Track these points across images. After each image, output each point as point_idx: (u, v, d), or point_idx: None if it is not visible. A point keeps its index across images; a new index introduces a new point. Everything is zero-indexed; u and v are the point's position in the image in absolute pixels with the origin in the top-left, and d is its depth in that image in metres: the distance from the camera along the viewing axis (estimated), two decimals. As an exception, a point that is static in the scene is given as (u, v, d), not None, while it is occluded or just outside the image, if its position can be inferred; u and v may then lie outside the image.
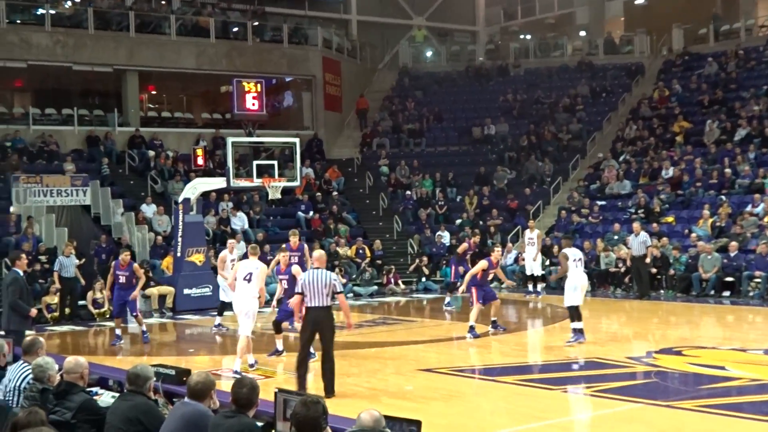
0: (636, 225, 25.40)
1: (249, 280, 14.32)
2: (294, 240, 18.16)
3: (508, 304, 25.30)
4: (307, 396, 6.63)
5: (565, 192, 32.56)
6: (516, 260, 28.61)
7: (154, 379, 8.14)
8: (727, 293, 24.28)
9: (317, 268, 12.26)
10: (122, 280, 18.23)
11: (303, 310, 12.21)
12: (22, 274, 14.60)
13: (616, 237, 27.41)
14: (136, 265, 18.97)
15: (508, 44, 43.32)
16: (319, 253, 12.69)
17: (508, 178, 33.76)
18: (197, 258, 24.09)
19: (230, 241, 20.49)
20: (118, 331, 18.34)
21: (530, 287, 25.99)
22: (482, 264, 18.57)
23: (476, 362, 15.86)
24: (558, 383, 13.05)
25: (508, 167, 34.33)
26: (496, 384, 13.33)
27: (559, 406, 11.74)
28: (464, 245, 23.68)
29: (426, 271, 29.03)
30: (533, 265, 26.09)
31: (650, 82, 37.00)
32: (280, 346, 15.92)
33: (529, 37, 45.12)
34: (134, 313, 18.49)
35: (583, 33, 44.77)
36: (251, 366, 14.34)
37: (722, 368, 14.09)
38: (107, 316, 21.95)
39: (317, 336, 12.26)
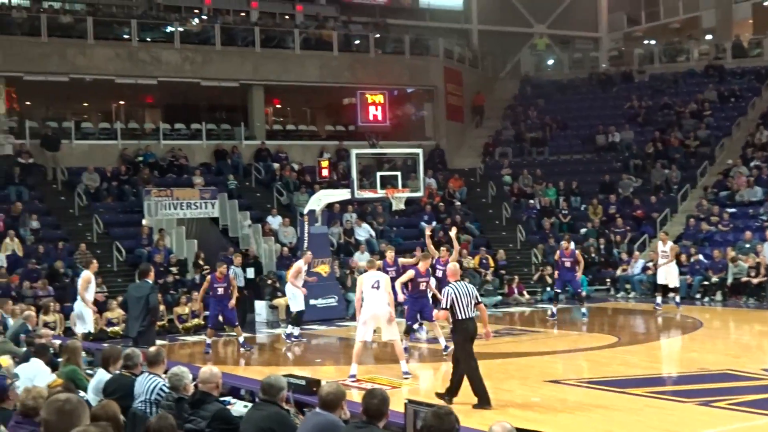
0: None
1: (378, 287, 14.46)
2: (390, 255, 19.15)
3: (636, 314, 24.86)
4: (438, 407, 6.61)
5: (693, 200, 31.79)
6: (643, 270, 28.04)
7: (287, 389, 8.25)
8: None
9: (458, 281, 12.61)
10: (220, 291, 19.04)
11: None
12: None
13: (747, 245, 26.65)
14: (231, 275, 19.61)
15: (632, 50, 42.63)
16: (454, 266, 13.19)
17: (633, 186, 33.14)
18: (322, 269, 24.29)
19: (308, 254, 21.16)
20: (209, 341, 18.88)
21: (659, 299, 24.49)
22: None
23: (604, 373, 15.58)
24: (691, 395, 12.71)
25: (634, 175, 33.71)
26: (626, 396, 13.07)
27: (693, 419, 11.44)
28: (558, 253, 23.30)
29: (550, 280, 28.70)
30: (669, 276, 24.17)
31: (782, 86, 35.87)
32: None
33: (653, 42, 44.30)
34: (235, 324, 19.11)
35: (709, 37, 43.70)
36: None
37: None
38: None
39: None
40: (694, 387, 13.44)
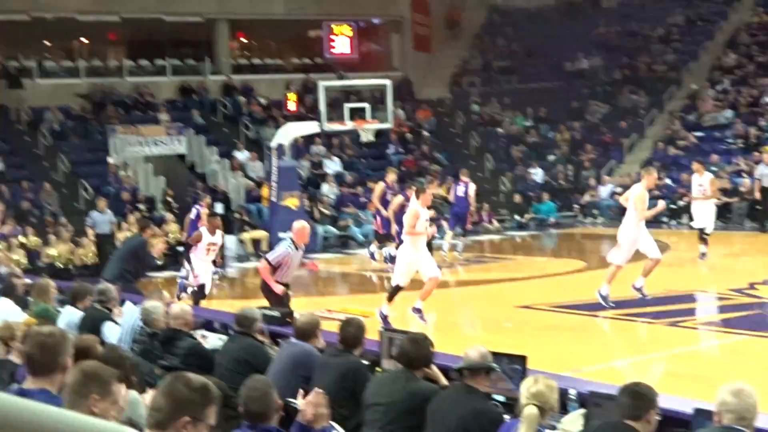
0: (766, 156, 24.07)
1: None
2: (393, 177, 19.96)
3: (604, 239, 25.10)
4: (414, 334, 6.73)
5: (660, 124, 31.97)
6: (611, 195, 28.26)
7: (261, 320, 8.32)
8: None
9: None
10: None
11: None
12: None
13: (714, 168, 26.82)
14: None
15: (599, -24, 42.35)
16: (302, 225, 12.43)
17: (601, 113, 33.25)
18: (292, 202, 24.27)
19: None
20: None
21: (703, 248, 19.14)
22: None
23: (574, 298, 15.74)
24: (659, 317, 12.92)
25: (602, 101, 33.78)
26: (595, 319, 13.27)
27: (662, 339, 11.65)
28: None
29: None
30: (707, 218, 19.35)
31: (748, 8, 35.78)
32: None
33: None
34: None
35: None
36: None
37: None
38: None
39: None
40: (662, 308, 13.64)
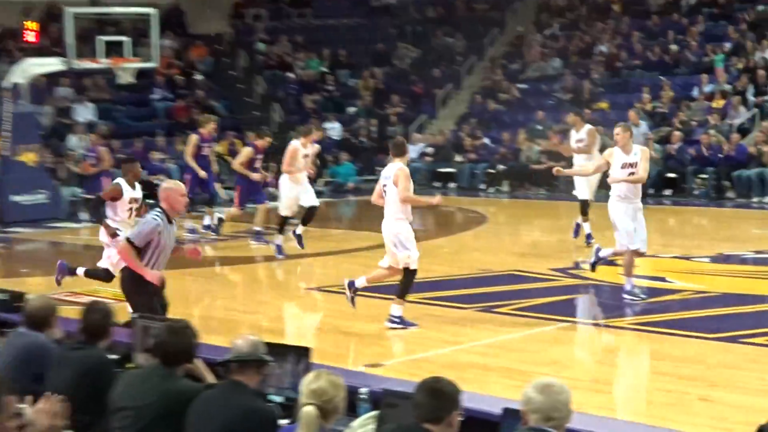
0: (632, 113, 24.32)
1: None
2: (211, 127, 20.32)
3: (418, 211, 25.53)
4: (173, 321, 6.67)
5: (479, 73, 32.72)
6: (420, 156, 28.75)
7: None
8: (668, 192, 24.92)
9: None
10: None
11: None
12: None
13: (539, 127, 27.68)
14: None
15: None
16: (177, 186, 10.56)
17: (411, 57, 33.73)
18: (29, 157, 23.61)
19: None
20: None
21: (580, 220, 17.94)
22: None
23: (375, 278, 15.98)
24: (471, 301, 13.23)
25: (412, 44, 34.27)
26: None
27: (474, 327, 11.93)
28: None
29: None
30: (583, 185, 17.73)
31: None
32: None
33: None
34: None
35: None
36: None
37: (662, 279, 14.54)
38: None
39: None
40: (476, 291, 14.00)
